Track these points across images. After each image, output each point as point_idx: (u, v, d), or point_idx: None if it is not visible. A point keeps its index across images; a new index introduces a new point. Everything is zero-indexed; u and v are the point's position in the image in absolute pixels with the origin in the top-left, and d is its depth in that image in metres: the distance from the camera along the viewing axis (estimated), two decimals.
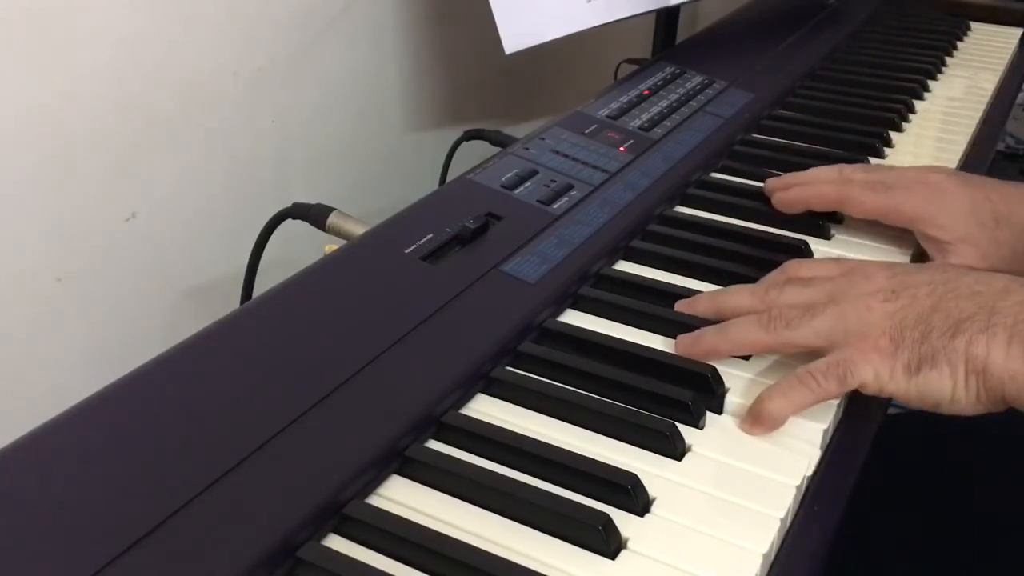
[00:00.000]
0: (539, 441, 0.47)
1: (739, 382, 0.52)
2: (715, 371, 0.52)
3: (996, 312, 0.46)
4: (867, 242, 0.67)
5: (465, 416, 0.49)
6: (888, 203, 0.64)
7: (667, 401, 0.50)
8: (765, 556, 0.42)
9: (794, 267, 0.58)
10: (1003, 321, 0.46)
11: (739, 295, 0.56)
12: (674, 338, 0.56)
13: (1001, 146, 1.53)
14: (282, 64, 0.87)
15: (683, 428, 0.48)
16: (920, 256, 0.66)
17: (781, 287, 0.55)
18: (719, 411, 0.51)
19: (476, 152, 0.83)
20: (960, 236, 0.62)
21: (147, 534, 0.39)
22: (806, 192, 0.68)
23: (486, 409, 0.50)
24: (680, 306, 0.58)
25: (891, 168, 0.69)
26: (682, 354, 0.53)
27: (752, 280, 0.61)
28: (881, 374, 0.48)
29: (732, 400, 0.51)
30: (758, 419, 0.49)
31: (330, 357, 0.50)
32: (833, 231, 0.69)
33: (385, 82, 1.00)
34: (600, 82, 0.95)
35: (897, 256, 0.66)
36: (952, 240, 0.62)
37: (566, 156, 0.73)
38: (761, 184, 0.74)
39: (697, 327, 0.55)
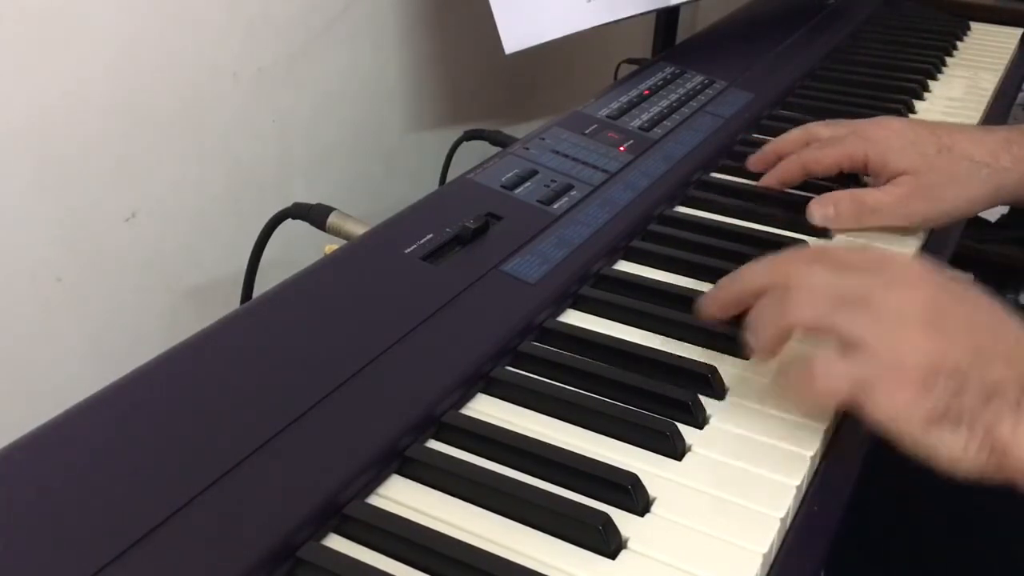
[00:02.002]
0: (539, 441, 0.47)
1: (739, 382, 0.52)
2: (715, 371, 0.52)
3: None
4: (867, 242, 0.67)
5: (465, 416, 0.49)
6: (842, 153, 0.69)
7: (667, 401, 0.50)
8: (765, 556, 0.42)
9: (822, 249, 0.57)
10: None
11: (758, 271, 0.52)
12: (674, 338, 0.56)
13: None
14: (282, 64, 0.87)
15: (683, 428, 0.48)
16: (925, 246, 0.68)
17: (808, 264, 0.50)
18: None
19: (476, 152, 0.83)
20: (902, 168, 0.67)
21: (147, 534, 0.39)
22: (774, 176, 0.72)
23: (486, 409, 0.50)
24: (705, 313, 0.54)
25: (854, 120, 0.73)
26: (704, 317, 0.54)
27: None
28: (900, 413, 0.45)
29: (732, 400, 0.51)
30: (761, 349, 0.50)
31: (330, 357, 0.50)
32: (833, 231, 0.69)
33: (385, 82, 1.00)
34: (600, 82, 0.95)
35: (898, 251, 0.65)
36: (894, 173, 0.67)
37: (566, 156, 0.73)
38: (761, 184, 0.75)
39: (698, 327, 0.55)
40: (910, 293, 0.48)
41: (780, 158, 0.73)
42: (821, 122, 0.74)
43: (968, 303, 0.49)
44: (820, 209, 0.67)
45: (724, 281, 0.54)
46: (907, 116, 0.90)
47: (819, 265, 0.50)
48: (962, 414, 0.44)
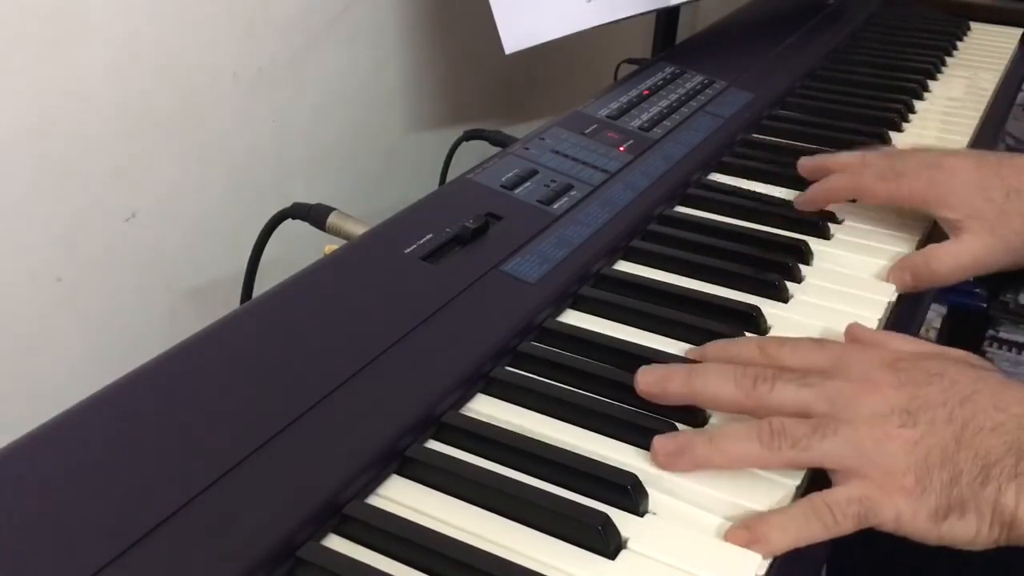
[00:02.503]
0: (539, 441, 0.47)
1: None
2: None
3: (1022, 455, 0.44)
4: (867, 242, 0.68)
5: (465, 416, 0.49)
6: (899, 191, 0.66)
7: None
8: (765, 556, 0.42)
9: (775, 348, 0.51)
10: None
11: (719, 383, 0.48)
12: (674, 338, 0.56)
13: (1001, 146, 1.53)
14: (282, 64, 0.87)
15: (683, 428, 0.48)
16: (924, 246, 0.67)
17: (770, 381, 0.48)
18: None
19: (476, 152, 0.83)
20: (968, 213, 0.64)
21: (147, 534, 0.39)
22: (820, 191, 0.70)
23: (486, 409, 0.50)
24: (646, 378, 0.50)
25: (913, 151, 0.70)
26: (662, 465, 0.46)
27: (753, 280, 0.61)
28: (903, 516, 0.44)
29: None
30: (753, 539, 0.43)
31: (330, 357, 0.50)
32: (833, 231, 0.69)
33: (385, 82, 1.00)
34: (600, 82, 0.95)
35: (896, 255, 0.66)
36: (961, 217, 0.64)
37: (566, 156, 0.73)
38: (761, 184, 0.75)
39: (697, 327, 0.56)
40: (872, 394, 0.46)
41: (830, 173, 0.70)
42: (876, 151, 0.72)
43: (933, 378, 0.47)
44: (897, 277, 0.64)
45: (679, 382, 0.49)
46: (907, 116, 0.90)
47: (779, 382, 0.48)
48: (965, 502, 0.44)
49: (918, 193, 0.66)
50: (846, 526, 0.44)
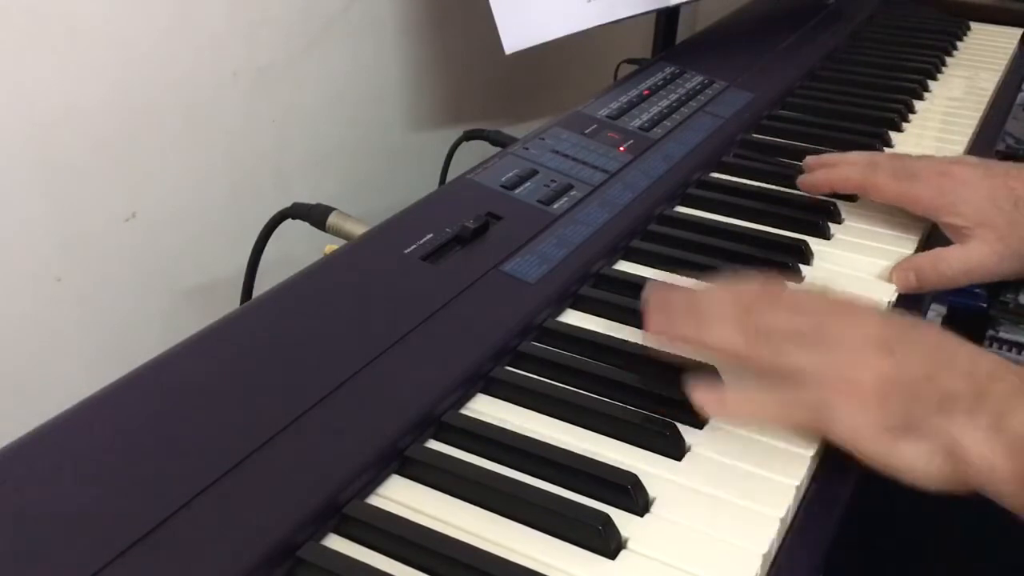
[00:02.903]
0: (539, 441, 0.47)
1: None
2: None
3: (984, 398, 0.45)
4: (867, 242, 0.68)
5: (465, 416, 0.49)
6: (909, 192, 0.66)
7: (667, 401, 0.50)
8: (765, 556, 0.42)
9: (779, 287, 0.54)
10: (988, 409, 0.44)
11: (720, 298, 0.52)
12: None
13: (1001, 146, 1.53)
14: (282, 64, 0.87)
15: (683, 428, 0.48)
16: (924, 247, 0.67)
17: (766, 308, 0.51)
18: None
19: (476, 152, 0.83)
20: (978, 221, 0.64)
21: (147, 534, 0.39)
22: (831, 174, 0.70)
23: (486, 409, 0.50)
24: (650, 297, 0.53)
25: (919, 157, 0.70)
26: (652, 331, 0.51)
27: None
28: (859, 429, 0.46)
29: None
30: (718, 406, 0.48)
31: (330, 357, 0.50)
32: (833, 231, 0.69)
33: (385, 82, 1.00)
34: (600, 82, 0.95)
35: (896, 256, 0.66)
36: (971, 225, 0.64)
37: (566, 156, 0.73)
38: (761, 184, 0.75)
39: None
40: (860, 326, 0.49)
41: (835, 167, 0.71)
42: (885, 154, 0.73)
43: (920, 329, 0.50)
44: (900, 277, 0.64)
45: (681, 295, 0.53)
46: (907, 116, 0.90)
47: (778, 305, 0.51)
48: (920, 424, 0.45)
49: (927, 199, 0.66)
50: (799, 415, 0.48)
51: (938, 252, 0.65)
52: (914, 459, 0.45)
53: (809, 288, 0.55)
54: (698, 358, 0.52)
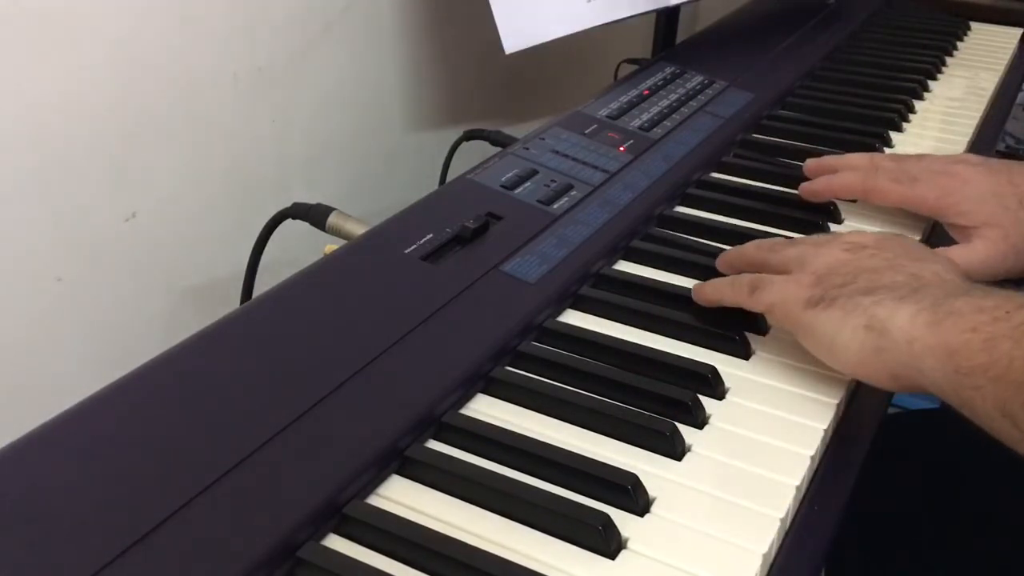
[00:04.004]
0: (539, 441, 0.47)
1: (740, 382, 0.52)
2: (715, 371, 0.52)
3: (919, 291, 0.46)
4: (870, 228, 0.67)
5: (465, 416, 0.49)
6: (911, 194, 0.67)
7: (667, 401, 0.50)
8: (765, 556, 0.42)
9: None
10: (920, 297, 0.46)
11: (738, 254, 0.60)
12: (674, 338, 0.56)
13: (1001, 146, 1.53)
14: (282, 64, 0.87)
15: (683, 428, 0.48)
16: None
17: (778, 247, 0.57)
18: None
19: (476, 152, 0.83)
20: (983, 220, 0.64)
21: (147, 534, 0.39)
22: (833, 181, 0.70)
23: (486, 409, 0.50)
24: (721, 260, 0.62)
25: (920, 157, 0.70)
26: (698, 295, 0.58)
27: None
28: (786, 302, 0.51)
29: (732, 400, 0.51)
30: (698, 291, 0.58)
31: (330, 357, 0.50)
32: (833, 231, 0.69)
33: (385, 82, 1.00)
34: (600, 82, 0.95)
35: None
36: (975, 225, 0.64)
37: (566, 156, 0.73)
38: (761, 184, 0.75)
39: (698, 327, 0.56)
40: (853, 235, 0.55)
41: (836, 172, 0.71)
42: (887, 154, 0.73)
43: (903, 247, 0.53)
44: None
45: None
46: (907, 116, 0.90)
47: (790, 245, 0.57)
48: (837, 299, 0.48)
49: (931, 200, 0.66)
50: (740, 293, 0.54)
51: (943, 252, 0.65)
52: (827, 327, 0.48)
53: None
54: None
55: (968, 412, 0.43)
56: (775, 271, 0.55)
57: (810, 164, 0.73)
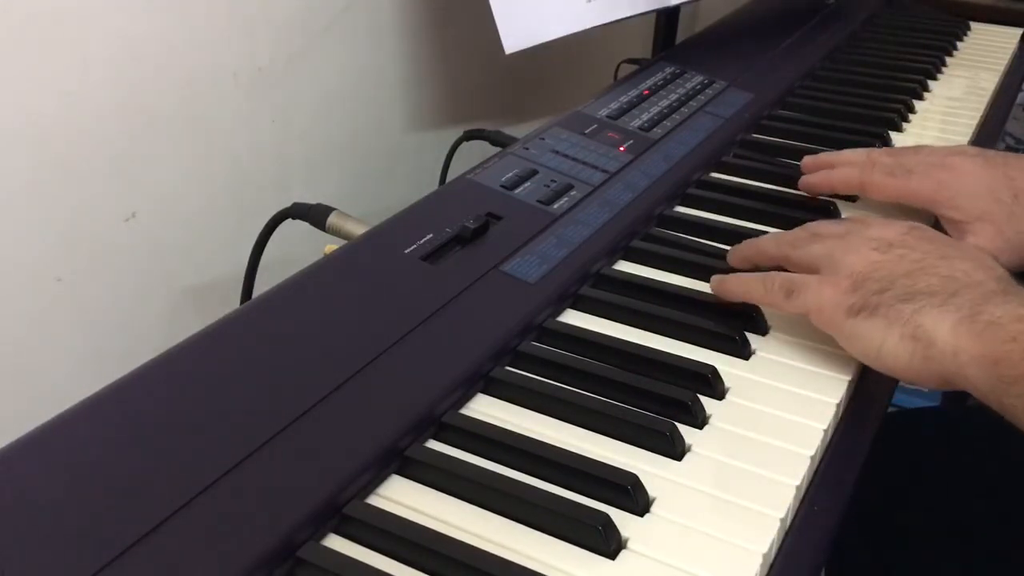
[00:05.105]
0: (539, 441, 0.47)
1: (740, 382, 0.52)
2: (715, 371, 0.52)
3: (956, 296, 0.47)
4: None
5: (465, 416, 0.49)
6: (906, 188, 0.67)
7: (667, 401, 0.50)
8: (765, 556, 0.42)
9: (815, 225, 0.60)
10: (959, 303, 0.46)
11: (762, 243, 0.60)
12: (674, 338, 0.56)
13: (1001, 146, 1.53)
14: (282, 64, 0.86)
15: (683, 428, 0.48)
16: None
17: (804, 239, 0.57)
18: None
19: (476, 152, 0.83)
20: (976, 215, 0.64)
21: (147, 534, 0.39)
22: (832, 176, 0.70)
23: (486, 409, 0.50)
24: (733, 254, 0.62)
25: (917, 149, 0.70)
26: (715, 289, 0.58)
27: None
28: (825, 307, 0.51)
29: (732, 400, 0.51)
30: (719, 285, 0.57)
31: (330, 357, 0.50)
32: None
33: (385, 82, 1.00)
34: (600, 82, 0.95)
35: None
36: (968, 219, 0.64)
37: (566, 156, 0.73)
38: (761, 184, 0.75)
39: (698, 327, 0.56)
40: (878, 228, 0.54)
41: (834, 168, 0.71)
42: (884, 149, 0.73)
43: (936, 241, 0.53)
44: None
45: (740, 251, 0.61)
46: (907, 116, 0.90)
47: (814, 240, 0.57)
48: (879, 307, 0.48)
49: (926, 193, 0.66)
50: (775, 297, 0.54)
51: None
52: (870, 336, 0.48)
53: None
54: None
55: (1011, 418, 0.44)
56: (799, 269, 0.55)
57: (807, 161, 0.73)
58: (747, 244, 0.60)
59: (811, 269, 0.54)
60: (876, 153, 0.70)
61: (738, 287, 0.56)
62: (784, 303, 0.53)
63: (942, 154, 0.68)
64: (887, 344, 0.47)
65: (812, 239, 0.56)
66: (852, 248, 0.52)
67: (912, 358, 0.47)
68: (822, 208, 0.70)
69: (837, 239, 0.54)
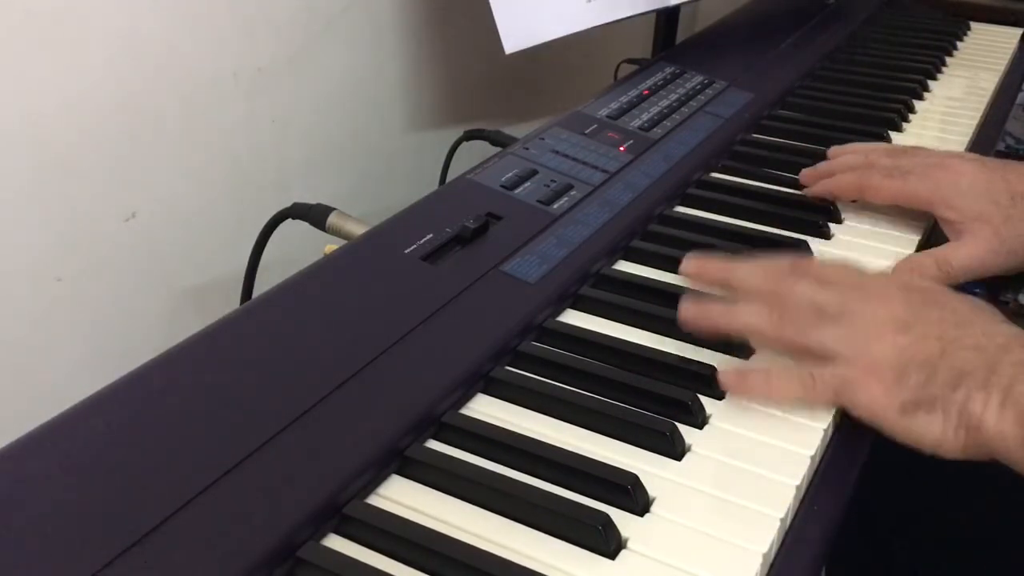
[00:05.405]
0: (539, 441, 0.47)
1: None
2: (715, 371, 0.52)
3: (995, 371, 0.47)
4: (867, 242, 0.67)
5: (465, 416, 0.49)
6: (904, 189, 0.67)
7: (667, 401, 0.50)
8: (765, 556, 0.42)
9: (808, 263, 0.57)
10: (999, 382, 0.46)
11: (751, 274, 0.55)
12: (674, 338, 0.56)
13: (1001, 146, 1.53)
14: (282, 64, 0.87)
15: (683, 428, 0.48)
16: (924, 246, 0.67)
17: (795, 279, 0.54)
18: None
19: (476, 152, 0.83)
20: (973, 216, 0.64)
21: (147, 534, 0.39)
22: (830, 186, 0.70)
23: (486, 409, 0.50)
24: (690, 265, 0.57)
25: (915, 151, 0.70)
26: (685, 319, 0.54)
27: None
28: (876, 403, 0.48)
29: (732, 400, 0.51)
30: (740, 384, 0.51)
31: (330, 357, 0.50)
32: (833, 231, 0.69)
33: (385, 82, 1.00)
34: (600, 82, 0.95)
35: (896, 255, 0.66)
36: (965, 220, 0.64)
37: (566, 156, 0.73)
38: (761, 184, 0.75)
39: (698, 340, 0.56)
40: (882, 305, 0.51)
41: (832, 175, 0.71)
42: (881, 147, 0.73)
43: (938, 306, 0.51)
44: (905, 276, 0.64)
45: (717, 265, 0.57)
46: (907, 116, 0.90)
47: (805, 281, 0.53)
48: (935, 400, 0.47)
49: (923, 193, 0.66)
50: (823, 394, 0.50)
51: (940, 252, 0.65)
52: (930, 431, 0.47)
53: (834, 262, 0.57)
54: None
55: None
56: (809, 354, 0.51)
57: (806, 174, 0.73)
58: (744, 329, 0.54)
59: (826, 356, 0.50)
60: (874, 154, 0.70)
61: (765, 387, 0.51)
62: (831, 401, 0.50)
63: (940, 156, 0.68)
64: (946, 437, 0.47)
65: (816, 323, 0.51)
66: (872, 335, 0.50)
67: (966, 446, 0.47)
68: (823, 208, 0.70)
69: (846, 320, 0.51)
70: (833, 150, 0.74)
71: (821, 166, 0.73)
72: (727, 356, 0.54)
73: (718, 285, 0.56)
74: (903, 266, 0.64)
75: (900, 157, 0.69)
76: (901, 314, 0.51)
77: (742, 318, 0.53)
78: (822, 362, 0.50)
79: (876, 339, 0.50)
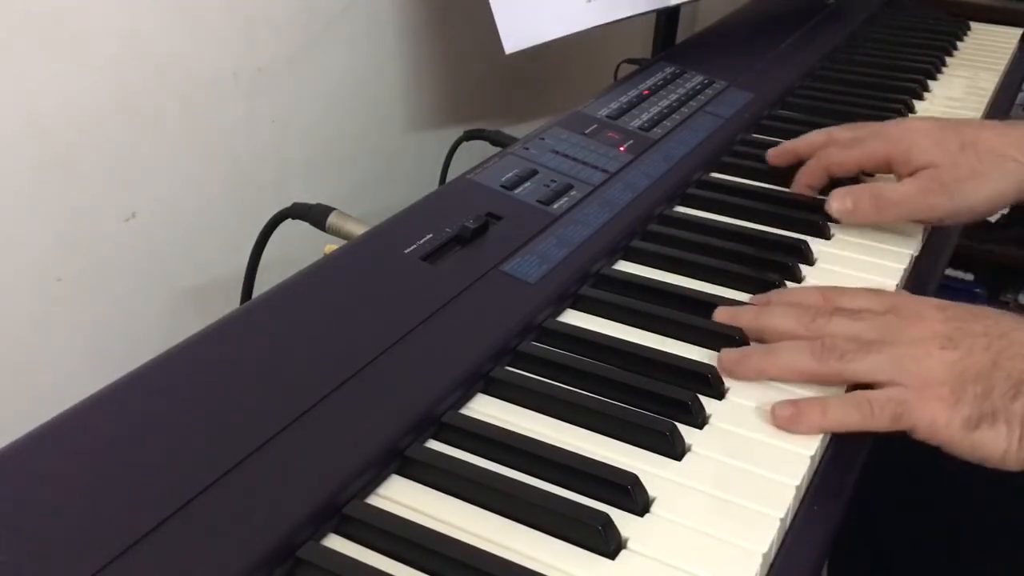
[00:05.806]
0: (539, 441, 0.47)
1: (739, 382, 0.52)
2: (715, 371, 0.52)
3: None
4: (867, 242, 0.67)
5: (465, 416, 0.49)
6: (862, 153, 0.69)
7: (667, 401, 0.50)
8: (765, 556, 0.42)
9: (836, 295, 0.56)
10: None
11: (783, 318, 0.54)
12: (674, 338, 0.56)
13: None
14: (282, 64, 0.87)
15: (683, 428, 0.48)
16: (925, 245, 0.68)
17: (828, 316, 0.53)
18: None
19: (476, 152, 0.83)
20: (923, 164, 0.66)
21: (147, 534, 0.39)
22: (802, 178, 0.72)
23: (486, 409, 0.50)
24: (721, 315, 0.56)
25: (875, 123, 0.73)
26: (726, 371, 0.52)
27: (754, 280, 0.61)
28: (937, 423, 0.48)
29: (733, 400, 0.51)
30: (794, 418, 0.49)
31: (330, 357, 0.50)
32: (833, 231, 0.69)
33: (385, 82, 1.00)
34: (600, 82, 0.95)
35: (896, 256, 0.66)
36: (916, 166, 0.66)
37: (566, 156, 0.73)
38: (761, 184, 0.75)
39: (698, 327, 0.56)
40: (918, 323, 0.51)
41: (799, 157, 0.73)
42: (842, 125, 0.74)
43: (977, 317, 0.52)
44: (838, 203, 0.67)
45: (748, 316, 0.56)
46: (907, 116, 0.90)
47: (837, 316, 0.53)
48: (996, 412, 0.47)
49: (880, 151, 0.68)
50: (882, 419, 0.49)
51: (875, 183, 0.69)
52: (995, 444, 0.47)
53: (855, 290, 0.57)
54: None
55: None
56: (855, 380, 0.51)
57: (771, 153, 0.75)
58: (788, 367, 0.53)
59: (876, 384, 0.50)
60: (834, 129, 0.73)
61: (822, 419, 0.49)
62: (890, 426, 0.49)
63: (898, 120, 0.72)
64: (1011, 448, 0.47)
65: (858, 350, 0.51)
66: (919, 355, 0.50)
67: None
68: (822, 208, 0.70)
69: (888, 345, 0.51)
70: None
71: (786, 145, 0.75)
72: (740, 338, 0.55)
73: (752, 338, 0.55)
74: (838, 193, 0.67)
75: (859, 129, 0.72)
76: (942, 330, 0.51)
77: (784, 361, 0.52)
78: (870, 390, 0.50)
79: (924, 358, 0.49)
